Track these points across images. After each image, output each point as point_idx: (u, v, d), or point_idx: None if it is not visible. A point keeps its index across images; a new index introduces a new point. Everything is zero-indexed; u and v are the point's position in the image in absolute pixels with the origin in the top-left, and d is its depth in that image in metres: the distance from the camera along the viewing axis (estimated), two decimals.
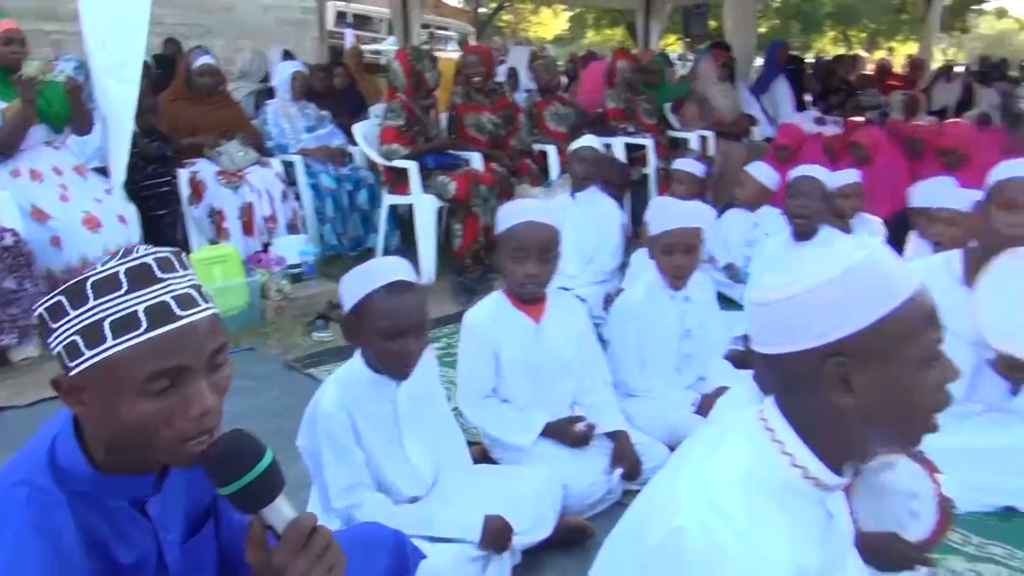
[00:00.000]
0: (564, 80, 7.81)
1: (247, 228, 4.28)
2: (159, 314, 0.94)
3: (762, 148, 5.76)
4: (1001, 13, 26.92)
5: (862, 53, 13.41)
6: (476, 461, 2.22)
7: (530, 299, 2.35)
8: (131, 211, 3.79)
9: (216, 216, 4.25)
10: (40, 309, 0.96)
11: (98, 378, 0.94)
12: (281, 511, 0.97)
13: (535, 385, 2.35)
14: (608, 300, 3.55)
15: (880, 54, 21.02)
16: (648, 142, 5.46)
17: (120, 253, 0.97)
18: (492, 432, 2.33)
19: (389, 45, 14.03)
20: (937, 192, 3.29)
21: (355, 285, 1.79)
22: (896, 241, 3.54)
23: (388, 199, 4.72)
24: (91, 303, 0.93)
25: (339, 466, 1.77)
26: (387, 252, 4.84)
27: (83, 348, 0.93)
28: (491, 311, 2.38)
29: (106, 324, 0.92)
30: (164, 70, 6.26)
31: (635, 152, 5.48)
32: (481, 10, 21.27)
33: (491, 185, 4.50)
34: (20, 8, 5.66)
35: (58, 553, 0.94)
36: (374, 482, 1.83)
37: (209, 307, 1.00)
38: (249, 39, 10.00)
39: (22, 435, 1.07)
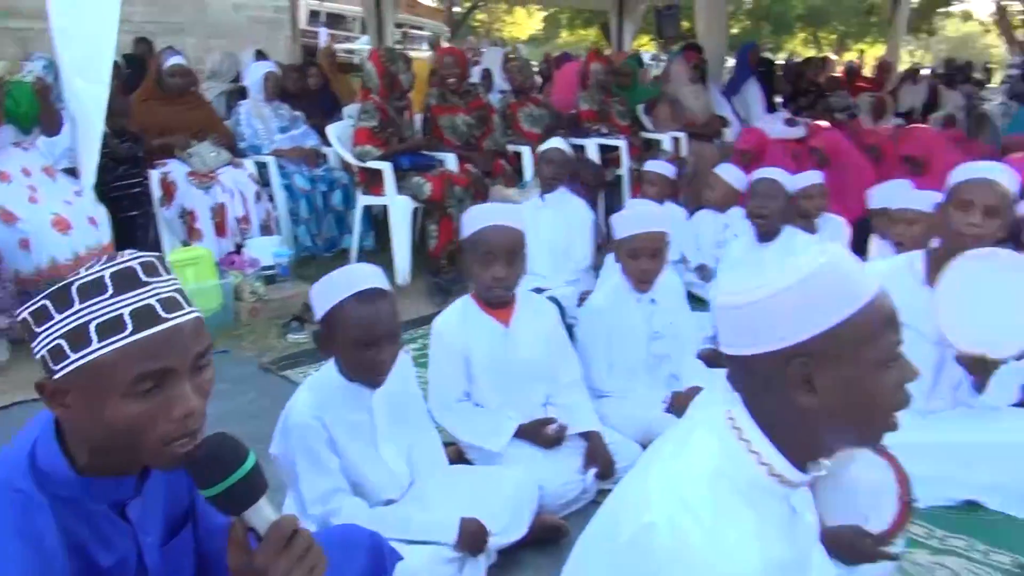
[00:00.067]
0: (539, 80, 7.84)
1: (219, 229, 4.25)
2: (144, 317, 0.96)
3: (732, 149, 5.83)
4: (966, 16, 27.30)
5: (831, 55, 13.59)
6: (452, 461, 2.23)
7: (498, 303, 2.35)
8: (101, 213, 3.75)
9: (187, 217, 4.21)
10: (24, 313, 0.97)
11: (83, 380, 0.95)
12: (263, 513, 0.99)
13: (506, 388, 2.36)
14: (583, 300, 3.58)
15: (850, 56, 21.35)
16: (621, 143, 5.51)
17: (104, 258, 0.98)
18: (464, 438, 2.34)
19: (363, 44, 13.97)
20: (896, 193, 3.39)
21: (325, 294, 1.78)
22: (863, 242, 3.63)
23: (362, 200, 4.71)
24: (76, 307, 0.94)
25: (314, 474, 1.77)
26: (362, 253, 4.85)
27: (68, 351, 0.94)
28: (459, 316, 2.38)
29: (91, 327, 0.94)
30: (134, 70, 6.19)
31: (609, 153, 5.52)
32: (455, 9, 21.24)
33: (466, 186, 4.52)
34: None
35: (40, 556, 0.95)
36: (349, 485, 1.83)
37: (193, 310, 1.01)
38: (221, 38, 9.92)
39: None
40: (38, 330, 0.96)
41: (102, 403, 0.95)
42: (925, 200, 3.02)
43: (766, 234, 3.45)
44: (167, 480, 1.13)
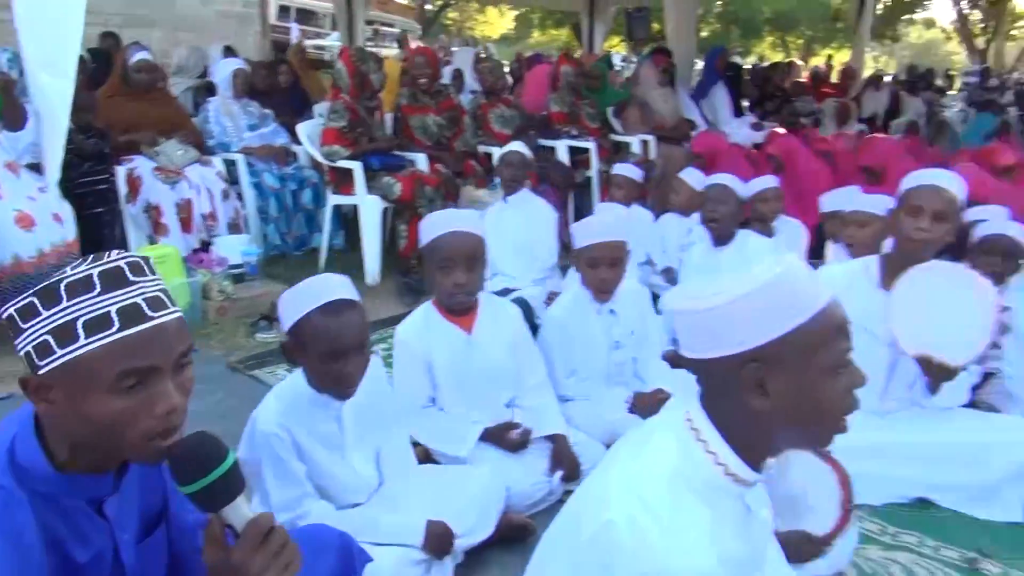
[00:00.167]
0: (510, 80, 7.87)
1: (185, 225, 4.22)
2: (131, 315, 0.98)
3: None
4: (929, 23, 28.02)
5: (797, 61, 13.81)
6: (419, 461, 2.24)
7: (460, 310, 2.33)
8: (66, 209, 3.69)
9: (152, 212, 4.17)
10: (10, 310, 0.98)
11: (68, 376, 0.96)
12: (241, 510, 1.01)
13: (471, 394, 2.36)
14: (550, 299, 3.62)
15: (817, 60, 21.68)
16: (591, 145, 5.56)
17: (92, 258, 1.00)
18: (430, 444, 2.33)
19: (333, 41, 13.87)
20: (847, 196, 3.49)
21: (292, 305, 1.76)
22: (821, 247, 3.73)
23: (333, 199, 4.71)
24: (64, 303, 0.96)
25: (281, 482, 1.75)
26: (331, 252, 4.84)
27: (54, 347, 0.96)
28: (421, 324, 2.36)
29: (79, 324, 0.96)
30: (100, 65, 6.09)
31: (578, 155, 5.57)
32: (427, 7, 21.19)
33: (436, 186, 4.53)
34: None
35: (18, 551, 0.97)
36: (315, 488, 1.82)
37: (176, 310, 1.04)
38: (189, 32, 9.78)
39: None
40: (24, 326, 0.97)
41: (86, 398, 0.97)
42: (876, 203, 3.12)
43: (720, 238, 3.54)
44: (142, 479, 1.14)
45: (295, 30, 13.16)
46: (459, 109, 5.30)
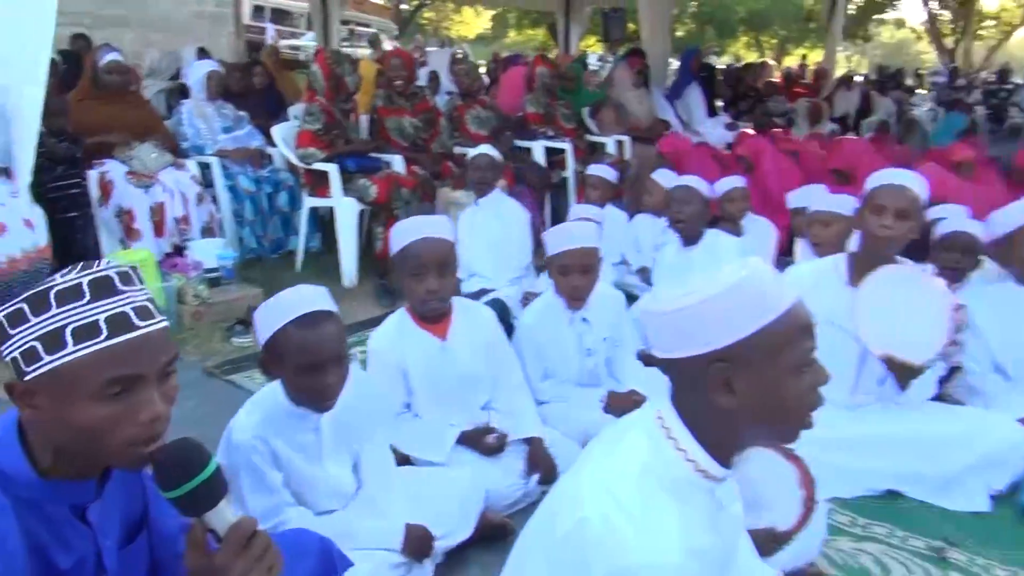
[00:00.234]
0: (487, 80, 7.89)
1: (158, 229, 4.19)
2: (119, 324, 0.99)
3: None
4: (900, 23, 28.41)
5: (770, 61, 13.97)
6: (397, 463, 2.22)
7: (434, 316, 2.32)
8: (38, 214, 3.65)
9: (125, 216, 4.14)
10: None
11: (54, 382, 0.97)
12: (223, 515, 1.02)
13: (447, 400, 2.35)
14: (526, 300, 3.65)
15: (791, 60, 21.93)
16: (567, 146, 5.59)
17: (81, 266, 1.02)
18: (406, 450, 2.30)
19: (308, 41, 13.80)
20: (813, 193, 3.56)
21: (267, 319, 1.74)
22: (792, 245, 3.79)
23: (309, 202, 4.70)
24: (53, 311, 0.97)
25: (258, 491, 1.74)
26: (308, 255, 4.83)
27: (42, 353, 0.97)
28: (395, 332, 2.34)
29: (67, 331, 0.97)
30: (71, 67, 6.03)
31: (555, 156, 5.60)
32: (403, 7, 21.13)
33: (413, 188, 4.54)
34: None
35: (1, 557, 0.97)
36: (292, 495, 1.81)
37: (163, 320, 1.05)
38: (161, 32, 9.70)
39: None
40: (12, 332, 0.98)
41: (71, 405, 0.98)
42: (839, 203, 3.19)
43: (688, 238, 3.60)
44: (123, 485, 1.15)
45: (271, 31, 13.08)
46: (435, 111, 5.30)
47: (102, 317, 0.98)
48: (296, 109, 5.13)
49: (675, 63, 9.27)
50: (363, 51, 12.65)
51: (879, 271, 2.29)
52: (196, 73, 5.11)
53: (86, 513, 1.10)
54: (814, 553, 1.93)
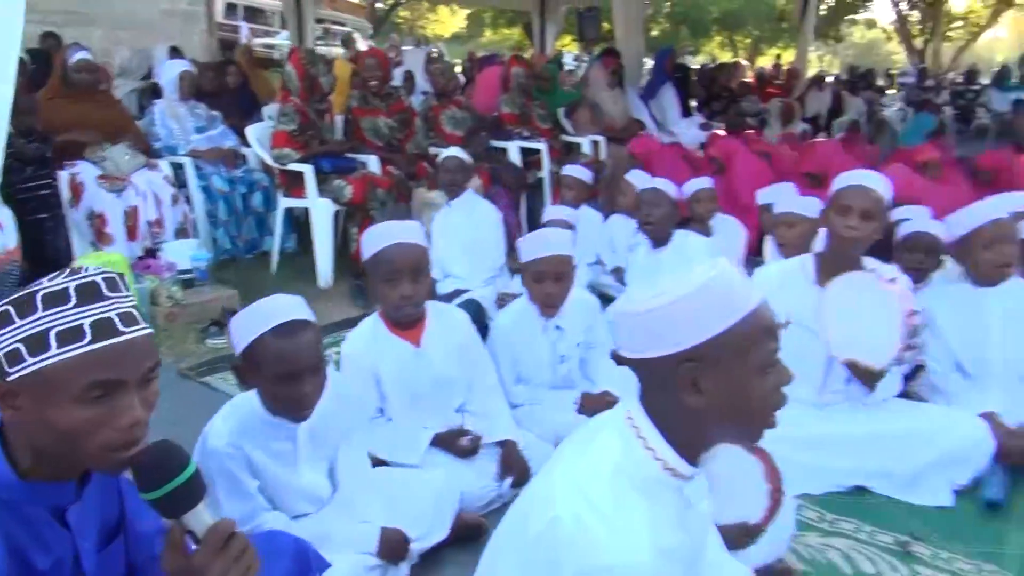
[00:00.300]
0: (462, 80, 7.89)
1: (130, 232, 4.15)
2: (103, 329, 1.01)
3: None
4: (871, 24, 28.77)
5: (743, 61, 14.11)
6: (372, 465, 2.22)
7: (408, 322, 2.31)
8: (7, 215, 3.61)
9: (96, 220, 4.10)
10: None
11: (36, 384, 0.99)
12: (201, 516, 1.03)
13: (420, 404, 2.35)
14: (500, 301, 3.67)
15: (764, 60, 22.15)
16: (542, 146, 5.62)
17: (68, 272, 1.03)
18: (380, 455, 2.29)
19: (282, 40, 13.70)
20: (780, 194, 3.62)
21: (243, 328, 1.73)
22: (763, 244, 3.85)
23: (284, 202, 4.68)
24: (39, 313, 0.99)
25: (233, 497, 1.73)
26: (283, 255, 4.81)
27: (25, 355, 0.98)
28: (369, 338, 2.33)
29: (52, 334, 0.98)
30: (40, 66, 5.94)
31: (530, 156, 5.63)
32: (378, 5, 21.03)
33: (388, 188, 4.54)
34: None
35: None
36: (267, 501, 1.81)
37: (146, 327, 1.07)
38: (132, 30, 9.58)
39: None
40: None
41: (52, 407, 0.99)
42: (804, 205, 3.25)
43: (657, 240, 3.65)
44: (101, 488, 1.16)
45: (244, 29, 12.94)
46: (410, 111, 5.30)
47: (87, 321, 1.00)
48: (270, 109, 5.11)
49: (649, 63, 9.34)
50: (337, 50, 12.58)
51: (839, 278, 2.34)
52: (168, 73, 5.06)
53: (65, 515, 1.11)
54: (783, 549, 1.96)
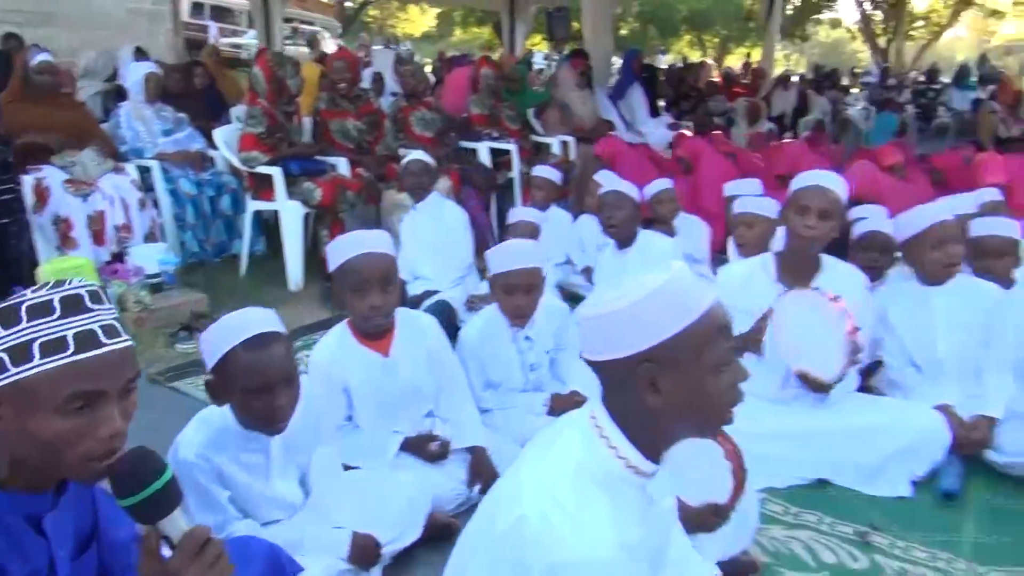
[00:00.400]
0: (433, 79, 7.88)
1: (98, 237, 4.11)
2: (86, 340, 1.02)
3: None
4: (835, 23, 29.20)
5: (709, 61, 14.25)
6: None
7: (377, 333, 2.29)
8: None
9: (61, 225, 4.04)
10: None
11: (18, 394, 1.00)
12: (177, 523, 1.05)
13: (388, 412, 2.34)
14: (470, 303, 3.70)
15: (733, 59, 22.36)
16: (512, 147, 5.64)
17: (52, 284, 1.05)
18: (350, 462, 2.26)
19: (250, 39, 13.58)
20: (744, 188, 3.69)
21: (214, 343, 1.71)
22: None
23: (252, 205, 4.65)
24: (23, 324, 1.00)
25: (204, 508, 1.72)
26: (252, 258, 4.79)
27: (8, 365, 1.00)
28: (336, 348, 2.31)
29: (35, 345, 1.00)
30: (1, 67, 5.83)
31: (500, 156, 5.65)
32: (347, 4, 20.89)
33: (358, 191, 4.54)
34: None
35: None
36: (238, 510, 1.80)
37: (127, 339, 1.08)
38: (97, 30, 9.42)
39: None
40: None
41: (34, 417, 1.00)
42: (761, 205, 3.32)
43: (621, 241, 3.71)
44: (76, 496, 1.17)
45: (213, 29, 12.82)
46: (379, 113, 5.30)
47: (70, 333, 1.02)
48: (238, 111, 5.07)
49: (618, 62, 9.40)
50: (304, 49, 12.49)
51: (789, 292, 2.42)
52: (134, 75, 5.01)
53: (41, 524, 1.12)
54: (748, 542, 2.02)
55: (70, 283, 1.06)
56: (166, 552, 1.05)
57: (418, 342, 2.38)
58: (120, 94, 5.43)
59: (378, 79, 7.49)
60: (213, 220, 4.79)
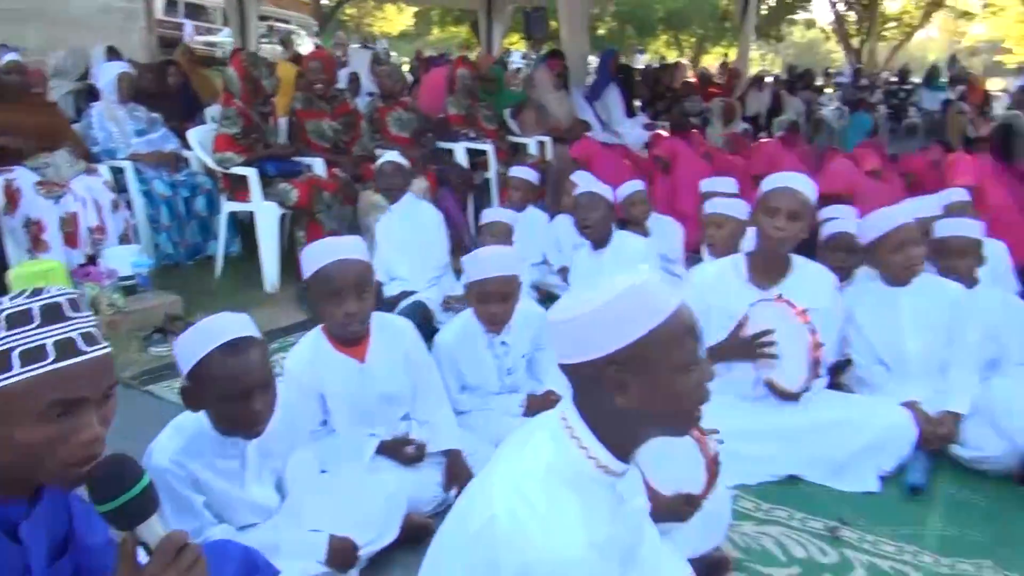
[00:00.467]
0: (411, 79, 7.86)
1: (70, 240, 4.07)
2: (66, 348, 1.03)
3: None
4: (810, 24, 29.47)
5: (684, 61, 14.35)
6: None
7: (353, 339, 2.28)
8: None
9: (32, 227, 3.99)
10: None
11: None
12: (154, 528, 1.06)
13: (365, 418, 2.33)
14: (447, 304, 3.71)
15: (710, 59, 22.52)
16: (489, 147, 5.66)
17: (31, 292, 1.05)
18: (326, 467, 2.23)
19: (224, 37, 13.46)
20: (719, 186, 3.73)
21: (188, 349, 1.70)
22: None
23: (228, 206, 4.62)
24: (3, 333, 1.01)
25: (179, 515, 1.71)
26: (228, 260, 4.76)
27: None
28: (311, 355, 2.29)
29: (15, 353, 1.00)
30: None
31: (477, 157, 5.66)
32: (324, 2, 20.76)
33: (334, 191, 4.53)
34: None
35: None
36: (214, 515, 1.79)
37: (106, 346, 1.09)
38: (68, 28, 9.30)
39: None
40: None
41: (14, 424, 1.01)
42: (731, 206, 3.37)
43: (596, 241, 3.74)
44: (50, 503, 1.17)
45: (188, 27, 12.70)
46: (355, 114, 5.28)
47: (50, 341, 1.02)
48: (213, 111, 5.03)
49: (594, 62, 9.44)
50: (278, 48, 12.41)
51: (761, 302, 2.47)
52: (106, 75, 4.95)
53: (17, 531, 1.12)
54: (720, 538, 2.05)
55: (49, 291, 1.06)
56: (143, 558, 1.05)
57: (394, 347, 2.36)
58: (92, 94, 5.37)
59: (354, 79, 7.47)
60: (188, 221, 4.76)
